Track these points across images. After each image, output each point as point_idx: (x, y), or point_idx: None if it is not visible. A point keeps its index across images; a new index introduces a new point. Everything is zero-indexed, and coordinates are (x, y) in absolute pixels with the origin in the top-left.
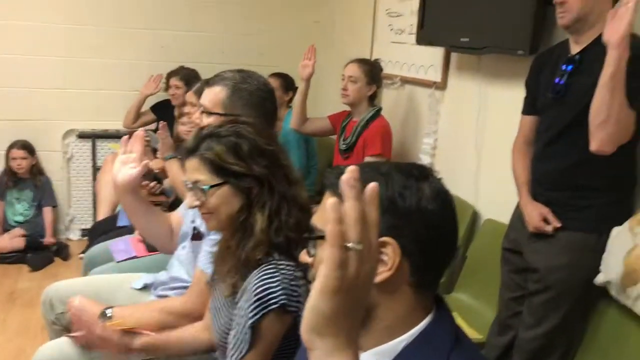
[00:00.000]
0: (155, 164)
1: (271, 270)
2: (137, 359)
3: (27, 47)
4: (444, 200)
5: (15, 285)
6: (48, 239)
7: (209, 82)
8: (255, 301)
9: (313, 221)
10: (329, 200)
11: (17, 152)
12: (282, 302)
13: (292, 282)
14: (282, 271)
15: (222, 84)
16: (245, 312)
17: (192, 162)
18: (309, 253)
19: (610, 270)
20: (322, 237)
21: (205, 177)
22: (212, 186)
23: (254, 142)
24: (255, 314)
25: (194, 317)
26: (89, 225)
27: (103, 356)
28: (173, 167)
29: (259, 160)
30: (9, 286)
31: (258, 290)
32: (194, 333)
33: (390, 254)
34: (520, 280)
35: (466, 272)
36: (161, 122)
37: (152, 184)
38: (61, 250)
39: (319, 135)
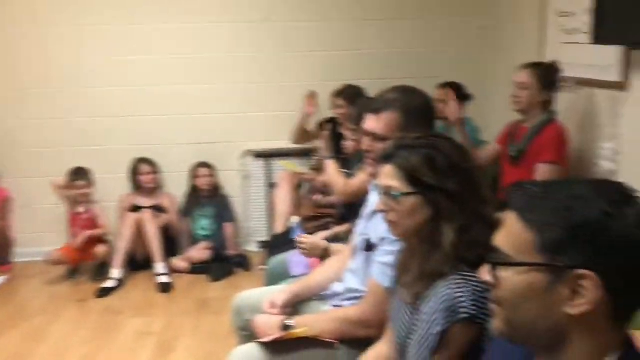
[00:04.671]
0: (323, 177)
1: (461, 281)
2: None
3: (206, 76)
4: None
5: (204, 293)
6: (230, 251)
7: (373, 109)
8: (444, 309)
9: (497, 242)
10: None
11: (203, 171)
12: (471, 312)
13: (482, 295)
14: (472, 283)
15: (392, 108)
16: (431, 319)
17: (387, 169)
18: (492, 275)
19: None
20: (509, 264)
21: (398, 184)
22: (403, 194)
23: (450, 157)
24: (443, 323)
25: (369, 325)
26: (264, 238)
27: None
28: (330, 166)
29: (453, 176)
30: (200, 294)
31: (447, 299)
32: None
33: (590, 287)
34: None
35: None
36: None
37: (319, 197)
38: (242, 262)
39: (492, 162)
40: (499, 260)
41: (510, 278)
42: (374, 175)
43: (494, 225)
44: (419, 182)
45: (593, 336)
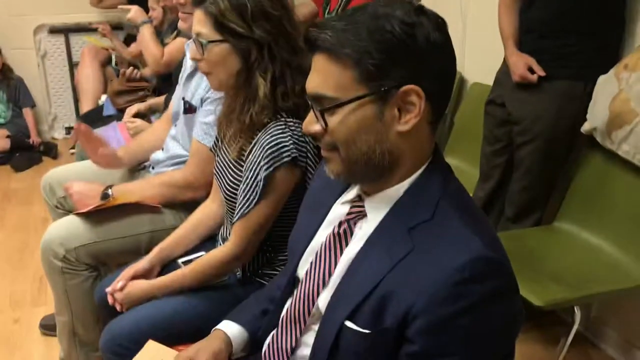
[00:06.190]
0: (133, 49)
1: (281, 127)
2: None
3: None
4: (443, 27)
5: (8, 185)
6: (33, 139)
7: None
8: (268, 155)
9: (315, 89)
10: None
11: None
12: (294, 155)
13: (301, 139)
14: (292, 128)
15: None
16: (257, 166)
17: (198, 14)
18: (320, 123)
19: (596, 117)
20: (338, 106)
21: (206, 31)
22: (210, 42)
23: (260, 4)
24: (268, 167)
25: (195, 187)
26: (72, 123)
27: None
28: (145, 33)
29: (263, 24)
30: (2, 187)
31: (271, 145)
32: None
33: (416, 100)
34: (501, 133)
35: (454, 137)
36: None
37: (129, 69)
38: (49, 150)
39: (310, 20)
40: (327, 106)
41: (343, 119)
42: (189, 29)
43: (307, 75)
44: (226, 29)
45: (418, 147)
